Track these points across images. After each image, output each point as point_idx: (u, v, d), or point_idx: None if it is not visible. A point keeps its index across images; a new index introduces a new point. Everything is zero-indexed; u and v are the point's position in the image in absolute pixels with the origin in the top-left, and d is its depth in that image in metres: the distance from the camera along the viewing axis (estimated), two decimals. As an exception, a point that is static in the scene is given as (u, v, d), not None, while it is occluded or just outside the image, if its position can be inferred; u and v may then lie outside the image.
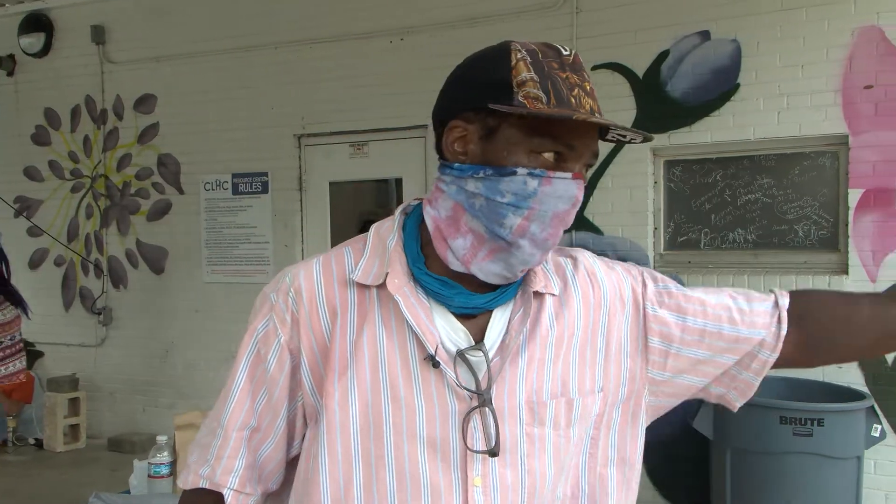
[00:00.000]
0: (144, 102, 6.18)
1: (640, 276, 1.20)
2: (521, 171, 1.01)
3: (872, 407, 3.70)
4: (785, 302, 1.19)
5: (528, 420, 1.07)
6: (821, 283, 4.13)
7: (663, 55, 4.51)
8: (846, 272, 4.12)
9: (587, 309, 1.15)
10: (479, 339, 1.08)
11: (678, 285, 1.22)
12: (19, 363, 5.75)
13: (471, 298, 1.08)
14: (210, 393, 5.75)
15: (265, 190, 5.79)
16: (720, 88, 4.38)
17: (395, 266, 1.09)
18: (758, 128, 4.31)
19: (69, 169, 6.51)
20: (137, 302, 6.28)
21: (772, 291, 1.23)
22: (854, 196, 4.09)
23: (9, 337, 5.66)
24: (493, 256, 1.06)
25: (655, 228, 4.64)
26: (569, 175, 1.02)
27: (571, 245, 5.37)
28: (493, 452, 1.03)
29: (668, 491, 4.55)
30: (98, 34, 6.29)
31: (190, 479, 1.14)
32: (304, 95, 5.56)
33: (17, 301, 5.72)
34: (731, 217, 4.51)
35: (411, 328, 1.06)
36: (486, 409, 1.04)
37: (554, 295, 1.13)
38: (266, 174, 5.78)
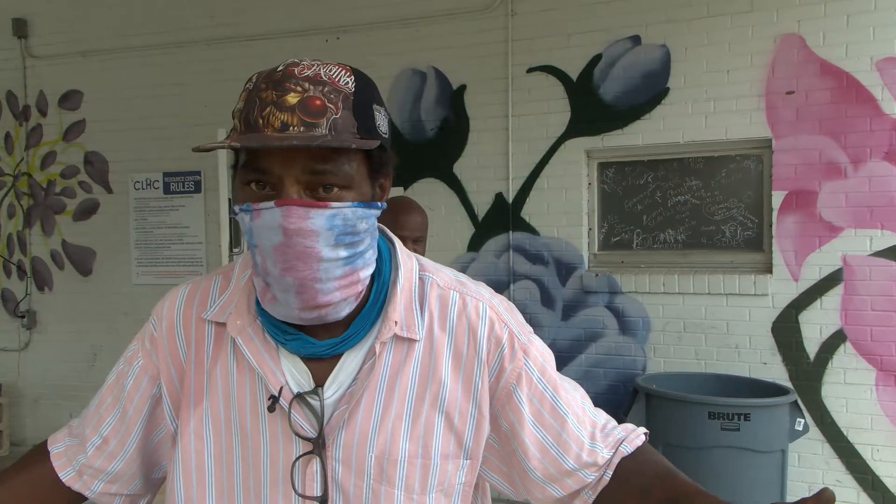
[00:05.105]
0: (70, 98, 5.99)
1: (522, 357, 1.07)
2: (236, 208, 0.95)
3: (796, 402, 3.82)
4: (615, 459, 1.09)
5: (375, 476, 1.01)
6: (747, 281, 4.27)
7: (596, 59, 4.58)
8: (770, 271, 4.26)
9: (457, 363, 1.05)
10: (323, 382, 1.02)
11: (556, 386, 1.10)
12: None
13: (306, 345, 1.01)
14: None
15: (198, 189, 5.67)
16: (650, 92, 4.48)
17: (241, 305, 1.04)
18: (686, 131, 4.42)
19: (-11, 167, 6.27)
20: (63, 304, 6.08)
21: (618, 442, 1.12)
22: (777, 198, 4.24)
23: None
24: (274, 299, 0.97)
25: (590, 229, 4.72)
26: (271, 203, 0.90)
27: (508, 246, 5.31)
28: (322, 500, 0.99)
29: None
30: (20, 27, 6.05)
31: (59, 436, 1.15)
32: (238, 93, 5.45)
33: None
34: (661, 218, 4.62)
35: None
36: (317, 456, 0.99)
37: (416, 341, 1.04)
38: (199, 173, 5.66)
